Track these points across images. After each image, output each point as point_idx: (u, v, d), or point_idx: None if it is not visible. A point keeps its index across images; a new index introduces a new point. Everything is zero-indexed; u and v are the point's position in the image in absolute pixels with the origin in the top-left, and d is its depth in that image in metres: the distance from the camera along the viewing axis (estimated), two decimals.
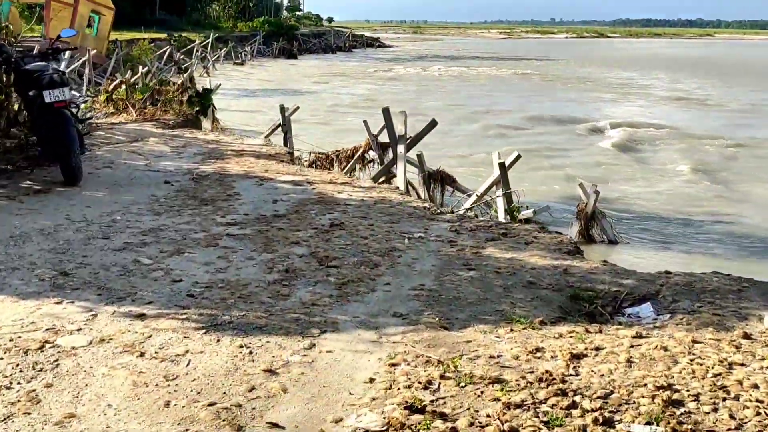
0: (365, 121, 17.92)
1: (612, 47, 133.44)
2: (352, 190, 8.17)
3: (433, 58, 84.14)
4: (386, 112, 11.64)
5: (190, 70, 33.38)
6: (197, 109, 13.34)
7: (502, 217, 12.61)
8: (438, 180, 16.73)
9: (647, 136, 27.40)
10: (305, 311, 4.52)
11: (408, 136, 11.96)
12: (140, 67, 33.07)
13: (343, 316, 4.47)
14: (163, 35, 61.31)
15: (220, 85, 28.31)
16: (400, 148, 11.72)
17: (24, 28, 47.43)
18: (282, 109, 18.37)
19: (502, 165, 12.72)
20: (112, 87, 14.17)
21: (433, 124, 11.74)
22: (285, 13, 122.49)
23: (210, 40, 64.16)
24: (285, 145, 18.62)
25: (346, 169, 18.61)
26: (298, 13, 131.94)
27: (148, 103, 13.70)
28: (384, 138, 18.67)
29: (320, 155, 19.43)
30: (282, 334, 4.16)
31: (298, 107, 18.59)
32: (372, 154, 18.23)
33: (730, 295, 4.68)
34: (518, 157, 12.82)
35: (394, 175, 14.00)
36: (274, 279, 5.09)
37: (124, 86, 13.93)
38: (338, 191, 7.87)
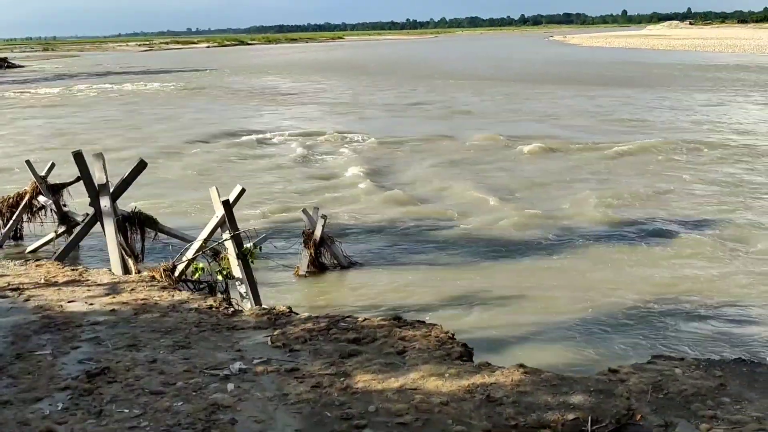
0: (28, 161, 14.65)
1: (256, 54, 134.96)
2: (87, 292, 5.59)
3: (76, 76, 77.18)
4: (79, 157, 9.00)
5: None
6: None
7: (234, 264, 10.65)
8: (136, 224, 14.16)
9: (322, 144, 27.05)
10: None
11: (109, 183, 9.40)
12: None
13: None
14: None
15: None
16: (104, 202, 9.12)
17: None
18: None
19: (226, 203, 10.74)
20: None
21: (141, 166, 9.36)
22: None
23: None
24: None
25: (11, 222, 15.14)
26: None
27: None
28: (55, 179, 15.54)
29: None
30: None
31: None
32: (42, 199, 15.00)
33: (722, 397, 3.50)
34: (242, 191, 10.93)
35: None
36: None
37: None
38: (68, 299, 5.26)
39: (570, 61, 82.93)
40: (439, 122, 32.85)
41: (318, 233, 13.19)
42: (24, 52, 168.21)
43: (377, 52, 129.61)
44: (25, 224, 15.41)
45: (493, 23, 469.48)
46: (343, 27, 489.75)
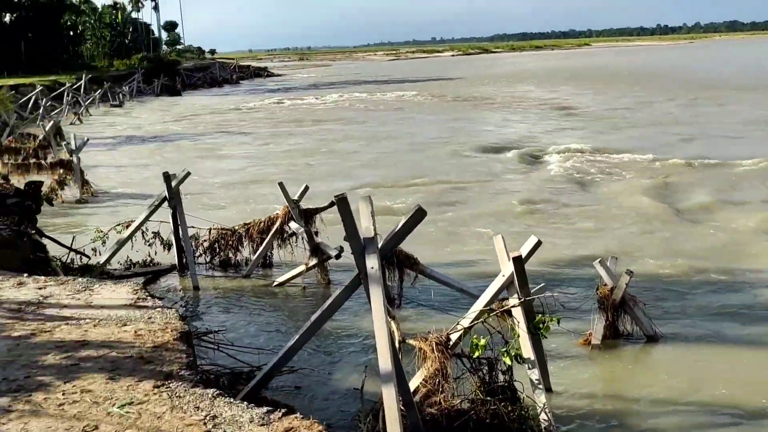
0: (281, 183, 13.23)
1: (502, 62, 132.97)
2: None
3: (328, 85, 79.72)
4: (343, 203, 6.89)
5: (51, 122, 27.64)
6: (16, 218, 8.02)
7: (525, 340, 8.08)
8: (393, 264, 12.17)
9: (592, 164, 23.71)
10: None
11: (377, 235, 7.19)
12: None
13: None
14: (29, 80, 54.70)
15: (87, 140, 23.08)
16: (371, 262, 6.91)
17: None
18: (167, 178, 13.43)
19: (517, 259, 8.18)
20: None
21: (419, 215, 7.07)
22: (165, 47, 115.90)
23: (83, 82, 57.66)
24: (175, 226, 13.69)
25: (261, 249, 13.82)
26: (178, 47, 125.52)
27: None
28: (308, 203, 14.06)
29: (224, 231, 14.59)
30: None
31: (188, 173, 13.70)
32: (293, 225, 13.51)
33: None
34: (538, 243, 8.29)
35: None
36: None
37: None
38: None
39: None
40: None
41: (619, 294, 10.32)
42: (282, 61, 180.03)
43: (630, 60, 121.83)
44: (275, 251, 14.12)
45: (755, 27, 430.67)
46: (589, 33, 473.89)
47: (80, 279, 6.06)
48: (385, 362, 6.48)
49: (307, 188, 13.55)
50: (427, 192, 20.04)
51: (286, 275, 13.17)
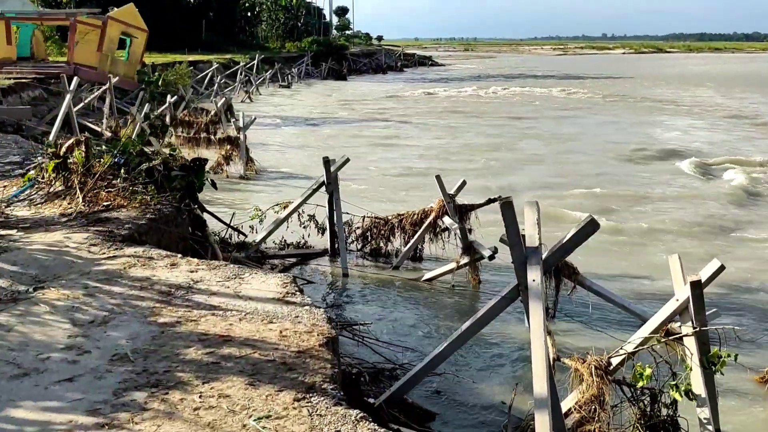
0: (438, 176, 12.81)
1: (677, 63, 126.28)
2: None
3: (492, 78, 78.67)
4: (507, 207, 6.38)
5: (224, 99, 28.70)
6: (179, 194, 8.05)
7: (697, 373, 7.25)
8: (551, 271, 11.45)
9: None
10: None
11: (541, 244, 6.62)
12: (168, 97, 28.74)
13: None
14: (206, 57, 57.57)
15: (254, 119, 23.66)
16: (533, 274, 6.37)
17: (53, 51, 43.43)
18: (326, 163, 13.40)
19: (696, 284, 7.35)
20: (65, 147, 9.03)
21: (590, 227, 6.44)
22: (334, 32, 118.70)
23: (255, 61, 59.99)
24: (330, 211, 13.68)
25: (412, 242, 13.54)
26: (347, 32, 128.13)
27: (117, 178, 8.43)
28: (463, 199, 13.60)
29: (377, 221, 14.44)
30: None
31: (347, 159, 13.58)
32: (447, 221, 13.08)
33: None
34: (721, 268, 7.40)
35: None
36: None
37: (82, 148, 8.68)
38: None
39: None
40: None
41: None
42: (447, 51, 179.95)
43: None
44: (426, 245, 13.76)
45: None
46: None
47: (231, 266, 5.92)
48: (540, 385, 5.95)
49: (464, 183, 13.06)
50: (601, 199, 18.92)
51: (436, 271, 12.78)
